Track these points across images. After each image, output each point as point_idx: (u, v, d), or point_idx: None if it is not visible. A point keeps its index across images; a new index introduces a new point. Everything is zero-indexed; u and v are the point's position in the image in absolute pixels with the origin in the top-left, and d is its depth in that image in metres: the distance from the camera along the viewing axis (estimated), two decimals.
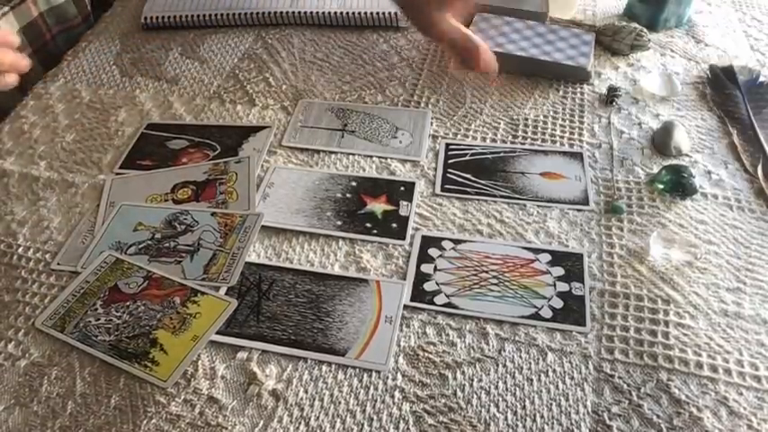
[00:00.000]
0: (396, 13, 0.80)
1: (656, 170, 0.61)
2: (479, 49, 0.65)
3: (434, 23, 0.65)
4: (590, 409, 0.45)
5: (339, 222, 0.57)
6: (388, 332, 0.49)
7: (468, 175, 0.61)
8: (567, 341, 0.49)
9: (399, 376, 0.47)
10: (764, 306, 0.51)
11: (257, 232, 0.55)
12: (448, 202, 0.59)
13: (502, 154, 0.64)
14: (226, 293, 0.51)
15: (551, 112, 0.69)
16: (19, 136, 0.66)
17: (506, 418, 0.44)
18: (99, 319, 0.49)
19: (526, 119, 0.68)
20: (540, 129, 0.67)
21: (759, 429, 0.44)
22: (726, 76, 0.72)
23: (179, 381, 0.46)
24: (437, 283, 0.52)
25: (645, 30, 0.77)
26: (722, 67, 0.74)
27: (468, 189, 0.60)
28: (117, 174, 0.62)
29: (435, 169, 0.62)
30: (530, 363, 0.47)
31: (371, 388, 0.46)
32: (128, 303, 0.50)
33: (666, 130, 0.65)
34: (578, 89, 0.72)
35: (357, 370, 0.47)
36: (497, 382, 0.46)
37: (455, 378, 0.46)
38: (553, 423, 0.44)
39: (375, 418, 0.44)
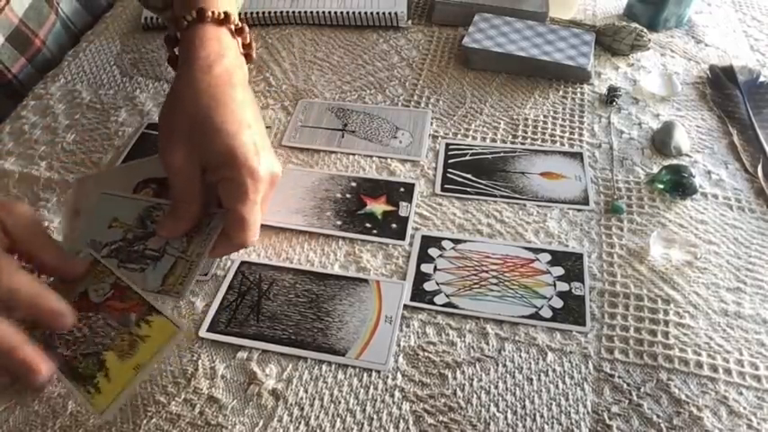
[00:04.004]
0: (396, 13, 0.80)
1: (656, 170, 0.61)
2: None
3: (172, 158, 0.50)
4: (590, 409, 0.45)
5: (339, 222, 0.57)
6: (388, 332, 0.49)
7: (468, 175, 0.62)
8: (567, 341, 0.49)
9: (399, 376, 0.47)
10: (764, 306, 0.51)
11: (216, 236, 0.50)
12: (448, 202, 0.59)
13: (502, 154, 0.64)
14: (227, 291, 0.51)
15: (551, 112, 0.69)
16: (19, 136, 0.66)
17: (506, 418, 0.44)
18: None
19: (526, 119, 0.68)
20: (540, 129, 0.67)
21: (759, 429, 0.44)
22: (726, 76, 0.72)
23: (179, 380, 0.46)
24: (437, 283, 0.52)
25: (645, 30, 0.77)
26: (722, 67, 0.74)
27: (468, 189, 0.60)
28: (83, 175, 0.60)
29: (435, 169, 0.62)
30: (530, 362, 0.47)
31: (371, 388, 0.46)
32: (90, 315, 0.47)
33: (666, 130, 0.65)
34: (578, 89, 0.72)
35: (357, 370, 0.47)
36: (497, 382, 0.46)
37: (455, 378, 0.46)
38: (553, 423, 0.44)
39: (375, 417, 0.44)
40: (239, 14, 0.80)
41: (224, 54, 0.53)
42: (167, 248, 0.50)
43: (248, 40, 0.58)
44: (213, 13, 0.54)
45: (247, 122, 0.50)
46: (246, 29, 0.58)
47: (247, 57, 0.58)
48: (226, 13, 0.55)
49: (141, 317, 0.46)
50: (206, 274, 0.53)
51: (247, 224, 0.49)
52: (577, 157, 0.64)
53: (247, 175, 0.48)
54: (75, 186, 0.57)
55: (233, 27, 0.56)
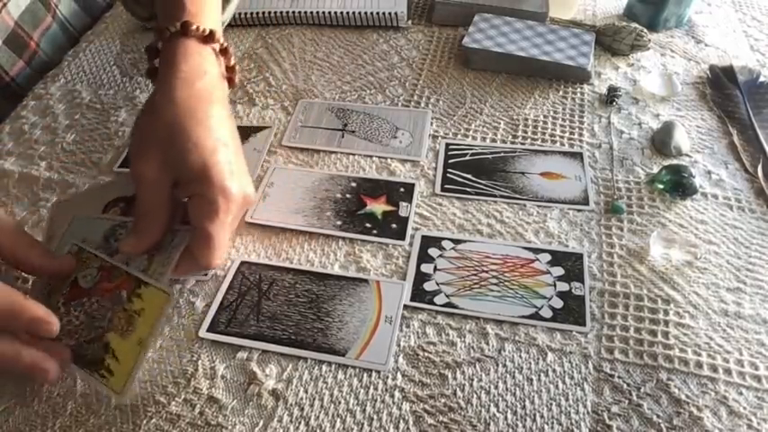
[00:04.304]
0: (396, 13, 0.80)
1: (656, 170, 0.61)
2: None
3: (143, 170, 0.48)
4: (590, 409, 0.45)
5: (339, 222, 0.57)
6: (388, 332, 0.49)
7: (468, 175, 0.62)
8: (567, 341, 0.49)
9: (399, 376, 0.47)
10: (764, 306, 0.51)
11: (179, 254, 0.49)
12: (448, 202, 0.59)
13: (502, 154, 0.64)
14: (227, 291, 0.51)
15: (551, 112, 0.69)
16: (19, 136, 0.66)
17: (506, 418, 0.44)
18: (62, 320, 0.45)
19: (526, 119, 0.68)
20: (540, 129, 0.67)
21: (759, 429, 0.44)
22: (726, 76, 0.72)
23: (179, 381, 0.46)
24: (437, 283, 0.52)
25: (645, 30, 0.77)
26: (722, 67, 0.74)
27: (468, 189, 0.60)
28: (62, 200, 0.59)
29: (435, 169, 0.62)
30: (530, 363, 0.47)
31: (371, 388, 0.46)
32: (84, 300, 0.47)
33: (666, 130, 0.65)
34: (578, 89, 0.72)
35: (357, 370, 0.47)
36: (497, 382, 0.46)
37: (455, 378, 0.46)
38: (553, 423, 0.44)
39: (375, 417, 0.44)
40: (236, 15, 0.80)
41: (206, 70, 0.52)
42: (128, 267, 0.49)
43: (231, 63, 0.57)
44: (198, 28, 0.53)
45: (224, 141, 0.50)
46: (231, 51, 0.56)
47: (230, 81, 0.57)
48: (211, 30, 0.54)
49: (131, 292, 0.47)
50: (206, 275, 0.53)
51: (214, 243, 0.48)
52: (577, 157, 0.64)
53: (219, 193, 0.47)
54: (50, 211, 0.57)
55: (217, 47, 0.55)
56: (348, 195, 0.59)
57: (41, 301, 0.46)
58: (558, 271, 0.53)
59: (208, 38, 0.54)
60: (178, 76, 0.51)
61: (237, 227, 0.56)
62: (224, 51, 0.56)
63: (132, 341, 0.45)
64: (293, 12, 0.81)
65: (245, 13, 0.81)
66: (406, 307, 0.51)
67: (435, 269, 0.53)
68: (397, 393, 0.46)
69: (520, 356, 0.48)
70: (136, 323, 0.46)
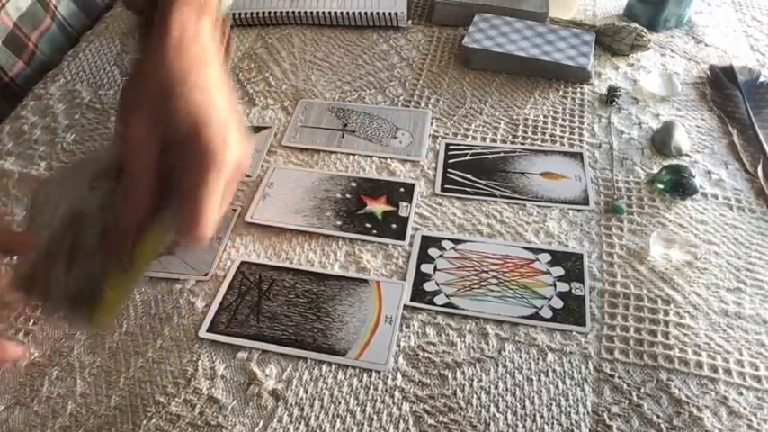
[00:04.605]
0: (396, 13, 0.80)
1: (656, 170, 0.61)
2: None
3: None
4: (590, 409, 0.45)
5: (339, 222, 0.57)
6: (388, 332, 0.49)
7: (468, 175, 0.62)
8: (567, 341, 0.49)
9: (399, 376, 0.47)
10: (764, 306, 0.51)
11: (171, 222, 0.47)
12: (448, 202, 0.59)
13: (502, 154, 0.64)
14: (227, 292, 0.51)
15: (551, 112, 0.69)
16: (19, 136, 0.66)
17: (506, 418, 0.44)
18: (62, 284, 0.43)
19: (526, 119, 0.68)
20: (540, 129, 0.67)
21: (759, 429, 0.44)
22: (726, 76, 0.72)
23: (179, 381, 0.46)
24: (437, 283, 0.52)
25: (645, 30, 0.77)
26: (722, 67, 0.74)
27: (468, 189, 0.60)
28: (45, 180, 0.57)
29: (435, 169, 0.62)
30: (530, 363, 0.47)
31: (371, 388, 0.46)
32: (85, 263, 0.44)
33: (666, 130, 0.65)
34: (578, 89, 0.72)
35: (357, 370, 0.47)
36: (497, 382, 0.46)
37: (455, 378, 0.46)
38: (553, 423, 0.44)
39: (375, 418, 0.44)
40: (236, 15, 0.80)
41: (200, 33, 0.50)
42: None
43: (226, 36, 0.54)
44: None
45: (219, 104, 0.48)
46: (228, 22, 0.54)
47: (225, 50, 0.54)
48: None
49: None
50: (206, 275, 0.53)
51: (202, 210, 0.44)
52: (577, 157, 0.64)
53: (210, 157, 0.45)
54: (34, 194, 0.55)
55: (212, 17, 0.52)
56: (348, 195, 0.59)
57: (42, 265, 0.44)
58: (558, 271, 0.53)
59: (204, 6, 0.51)
60: (170, 43, 0.48)
61: (236, 226, 0.56)
62: (220, 23, 0.53)
63: (127, 277, 0.43)
64: (293, 12, 0.81)
65: (245, 13, 0.81)
66: (406, 307, 0.51)
67: (435, 269, 0.53)
68: (397, 393, 0.46)
69: (520, 357, 0.48)
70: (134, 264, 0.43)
